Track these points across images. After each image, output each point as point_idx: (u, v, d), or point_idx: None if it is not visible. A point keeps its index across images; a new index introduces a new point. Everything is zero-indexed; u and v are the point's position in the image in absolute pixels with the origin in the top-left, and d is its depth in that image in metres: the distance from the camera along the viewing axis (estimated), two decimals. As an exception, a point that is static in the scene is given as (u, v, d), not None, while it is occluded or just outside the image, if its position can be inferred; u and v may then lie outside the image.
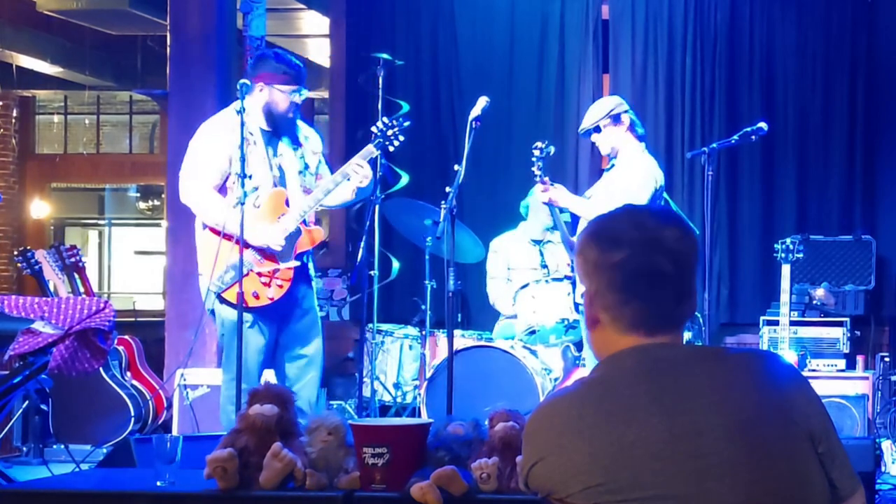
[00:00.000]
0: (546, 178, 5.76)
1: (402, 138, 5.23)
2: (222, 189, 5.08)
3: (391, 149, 5.27)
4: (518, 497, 3.30)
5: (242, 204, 4.85)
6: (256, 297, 5.06)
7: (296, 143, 5.23)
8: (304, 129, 5.31)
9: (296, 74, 5.11)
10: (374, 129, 5.26)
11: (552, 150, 5.81)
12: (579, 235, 1.93)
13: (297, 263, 5.14)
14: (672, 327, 1.86)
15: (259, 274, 5.07)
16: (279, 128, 5.16)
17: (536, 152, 5.75)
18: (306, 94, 5.21)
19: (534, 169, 5.76)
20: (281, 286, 5.10)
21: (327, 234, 6.87)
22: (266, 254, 5.09)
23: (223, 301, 5.05)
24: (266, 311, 5.11)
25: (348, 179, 5.12)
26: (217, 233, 4.97)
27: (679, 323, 1.87)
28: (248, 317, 5.03)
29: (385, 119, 5.29)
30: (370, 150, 5.19)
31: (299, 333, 5.24)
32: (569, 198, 5.80)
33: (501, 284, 7.11)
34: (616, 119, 5.65)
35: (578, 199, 5.80)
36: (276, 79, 5.08)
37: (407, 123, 5.26)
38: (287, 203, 5.13)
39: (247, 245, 5.00)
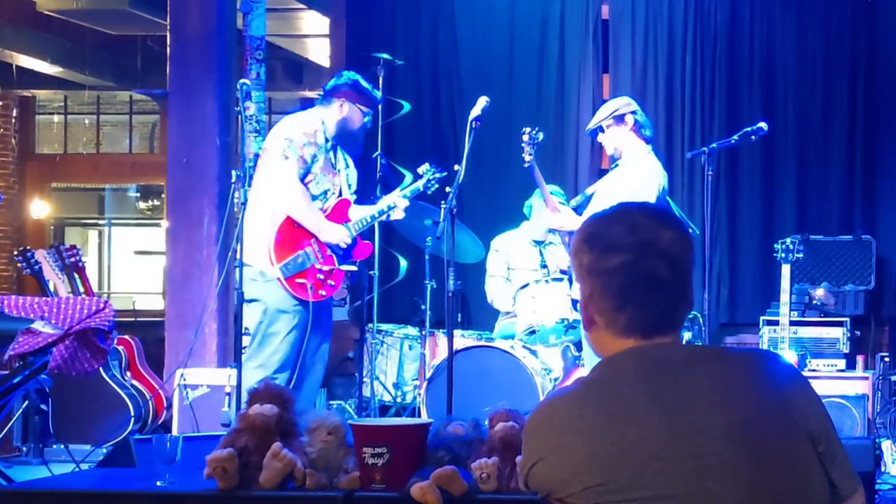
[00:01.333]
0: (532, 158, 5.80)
1: (437, 187, 5.70)
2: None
3: (428, 192, 5.70)
4: (518, 497, 3.31)
5: (244, 204, 4.95)
6: (313, 291, 5.30)
7: (346, 165, 5.56)
8: (349, 160, 5.62)
9: (374, 101, 5.54)
10: (420, 170, 5.67)
11: (541, 136, 5.80)
12: (574, 236, 1.92)
13: (354, 268, 5.53)
14: (669, 329, 1.86)
15: (319, 270, 5.33)
16: (342, 143, 5.49)
17: (525, 137, 5.74)
18: (370, 121, 5.55)
19: (524, 155, 5.75)
20: (333, 286, 5.40)
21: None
22: (327, 253, 5.34)
23: (283, 286, 5.23)
24: (311, 306, 5.32)
25: (394, 209, 5.53)
26: (295, 223, 5.26)
27: (676, 324, 1.87)
28: (295, 308, 5.26)
29: (428, 164, 5.71)
30: (418, 186, 5.60)
31: (321, 335, 5.46)
32: (576, 223, 5.75)
33: (500, 283, 7.11)
34: (619, 119, 5.64)
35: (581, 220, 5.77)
36: (359, 99, 5.43)
37: (443, 175, 5.69)
38: (348, 214, 5.45)
39: (317, 240, 5.32)
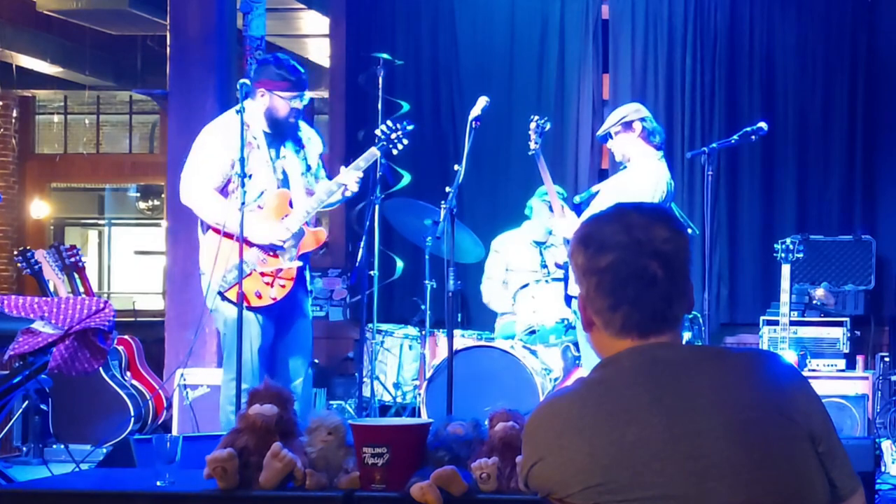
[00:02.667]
0: (538, 147, 5.75)
1: (405, 142, 5.30)
2: (223, 191, 5.10)
3: (394, 152, 5.34)
4: (518, 497, 3.31)
5: (243, 204, 4.88)
6: (259, 296, 5.10)
7: (298, 145, 5.27)
8: (305, 130, 5.34)
9: (296, 81, 5.12)
10: (377, 132, 5.31)
11: (548, 125, 5.77)
12: (571, 238, 1.92)
13: (300, 263, 5.18)
14: (666, 328, 1.85)
15: (262, 273, 5.11)
16: (281, 131, 5.19)
17: (532, 125, 5.71)
18: (308, 98, 5.23)
19: (530, 143, 5.73)
20: (283, 286, 5.14)
21: (327, 234, 6.88)
22: (269, 253, 5.12)
23: (225, 299, 5.06)
24: (268, 311, 5.15)
25: (346, 188, 5.19)
26: (220, 233, 4.99)
27: (673, 323, 1.86)
28: (250, 316, 5.05)
29: (389, 122, 5.34)
30: (373, 152, 5.25)
31: (296, 337, 5.28)
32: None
33: (497, 285, 7.12)
34: (627, 126, 5.59)
35: None
36: (277, 85, 5.10)
37: (410, 127, 5.31)
38: (291, 204, 5.18)
39: (250, 244, 5.05)
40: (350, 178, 5.16)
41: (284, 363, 5.26)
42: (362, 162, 5.20)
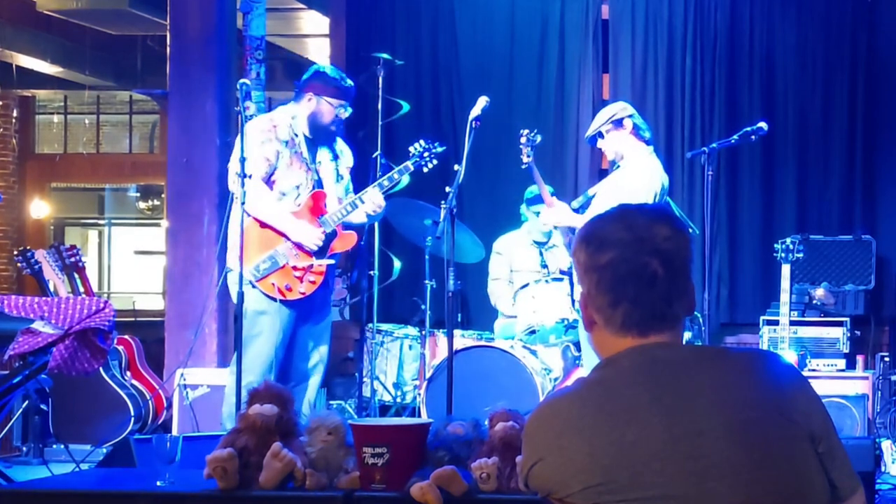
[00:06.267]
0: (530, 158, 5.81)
1: (435, 162, 5.50)
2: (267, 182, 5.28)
3: (424, 170, 5.50)
4: (518, 497, 3.31)
5: (243, 204, 4.98)
6: (289, 290, 5.23)
7: (333, 155, 5.47)
8: (340, 143, 5.54)
9: (345, 91, 5.36)
10: (412, 148, 5.48)
11: (539, 138, 5.83)
12: (574, 238, 1.93)
13: (332, 261, 5.35)
14: (666, 327, 1.85)
15: (294, 268, 5.24)
16: (319, 137, 5.39)
17: (523, 139, 5.79)
18: (350, 111, 5.40)
19: (522, 157, 5.80)
20: (313, 282, 5.28)
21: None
22: (303, 249, 5.25)
23: (255, 288, 5.17)
24: (294, 305, 5.25)
25: (363, 202, 5.34)
26: (262, 224, 5.19)
27: (673, 322, 1.86)
28: (277, 308, 5.19)
29: (423, 141, 5.50)
30: (408, 166, 5.43)
31: (315, 334, 5.40)
32: (570, 217, 5.77)
33: (504, 285, 7.12)
34: (618, 124, 5.64)
35: (580, 218, 5.77)
36: (326, 91, 5.32)
37: (441, 149, 5.50)
38: (325, 206, 5.34)
39: (287, 239, 5.23)
40: (373, 195, 5.33)
41: (302, 359, 5.37)
42: (385, 181, 5.36)
